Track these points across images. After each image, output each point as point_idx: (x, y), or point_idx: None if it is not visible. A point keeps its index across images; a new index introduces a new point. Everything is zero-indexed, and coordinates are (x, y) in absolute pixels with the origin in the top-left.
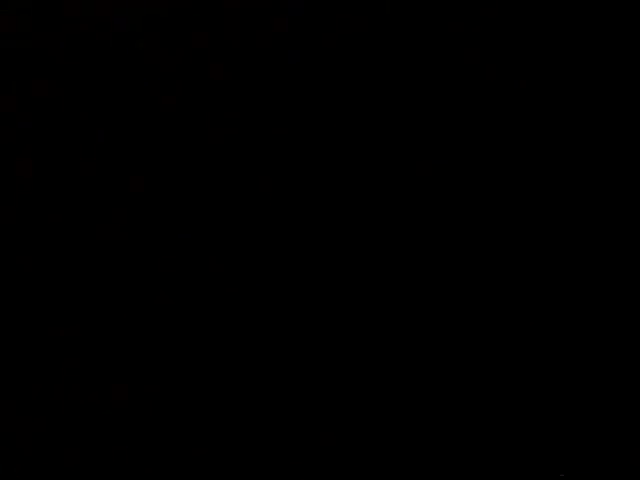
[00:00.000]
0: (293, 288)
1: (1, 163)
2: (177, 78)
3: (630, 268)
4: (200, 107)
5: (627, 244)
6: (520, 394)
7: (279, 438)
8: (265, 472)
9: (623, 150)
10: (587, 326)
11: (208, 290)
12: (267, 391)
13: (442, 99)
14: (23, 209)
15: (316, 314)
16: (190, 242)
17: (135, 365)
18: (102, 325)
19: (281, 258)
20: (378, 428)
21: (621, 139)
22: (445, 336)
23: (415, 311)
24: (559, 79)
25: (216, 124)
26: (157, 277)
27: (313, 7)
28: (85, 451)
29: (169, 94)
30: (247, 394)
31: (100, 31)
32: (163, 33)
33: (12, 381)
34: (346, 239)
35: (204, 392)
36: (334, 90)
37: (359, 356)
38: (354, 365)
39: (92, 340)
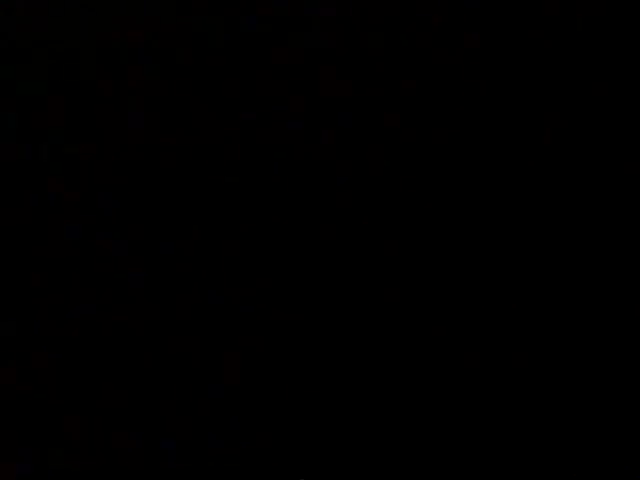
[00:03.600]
0: (293, 288)
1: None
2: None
3: (630, 268)
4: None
5: (627, 244)
6: (520, 395)
7: (278, 438)
8: (263, 472)
9: (623, 150)
10: (587, 326)
11: (207, 290)
12: (266, 391)
13: (441, 98)
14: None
15: (315, 315)
16: (188, 241)
17: (133, 365)
18: (98, 323)
19: (280, 258)
20: (377, 430)
21: (621, 139)
22: (445, 337)
23: (415, 312)
24: (559, 79)
25: (213, 122)
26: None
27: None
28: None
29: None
30: (246, 395)
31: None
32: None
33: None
34: (345, 239)
35: (202, 392)
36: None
37: (358, 357)
38: (353, 366)
39: (90, 339)
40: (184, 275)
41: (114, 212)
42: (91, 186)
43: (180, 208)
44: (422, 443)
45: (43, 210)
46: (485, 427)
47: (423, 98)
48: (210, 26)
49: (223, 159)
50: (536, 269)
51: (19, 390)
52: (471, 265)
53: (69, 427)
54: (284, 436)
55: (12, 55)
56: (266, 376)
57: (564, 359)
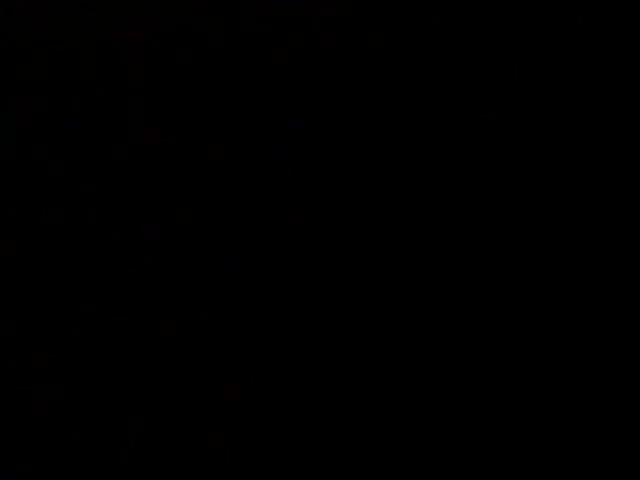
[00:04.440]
0: (292, 289)
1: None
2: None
3: (630, 268)
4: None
5: (627, 245)
6: (520, 397)
7: (277, 438)
8: (262, 472)
9: (623, 150)
10: (587, 327)
11: (207, 290)
12: (266, 391)
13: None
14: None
15: (315, 315)
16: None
17: (133, 366)
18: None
19: (280, 258)
20: (377, 431)
21: (621, 139)
22: (445, 337)
23: (415, 312)
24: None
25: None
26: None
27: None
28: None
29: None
30: (246, 395)
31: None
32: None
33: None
34: (344, 239)
35: (202, 392)
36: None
37: (358, 357)
38: (353, 366)
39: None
40: (184, 275)
41: (114, 212)
42: (91, 186)
43: (180, 208)
44: (422, 443)
45: (43, 210)
46: (485, 427)
47: (423, 98)
48: (210, 26)
49: (223, 159)
50: (536, 269)
51: (19, 390)
52: (471, 265)
53: (69, 428)
54: (284, 436)
55: (12, 55)
56: (266, 376)
57: (564, 359)
